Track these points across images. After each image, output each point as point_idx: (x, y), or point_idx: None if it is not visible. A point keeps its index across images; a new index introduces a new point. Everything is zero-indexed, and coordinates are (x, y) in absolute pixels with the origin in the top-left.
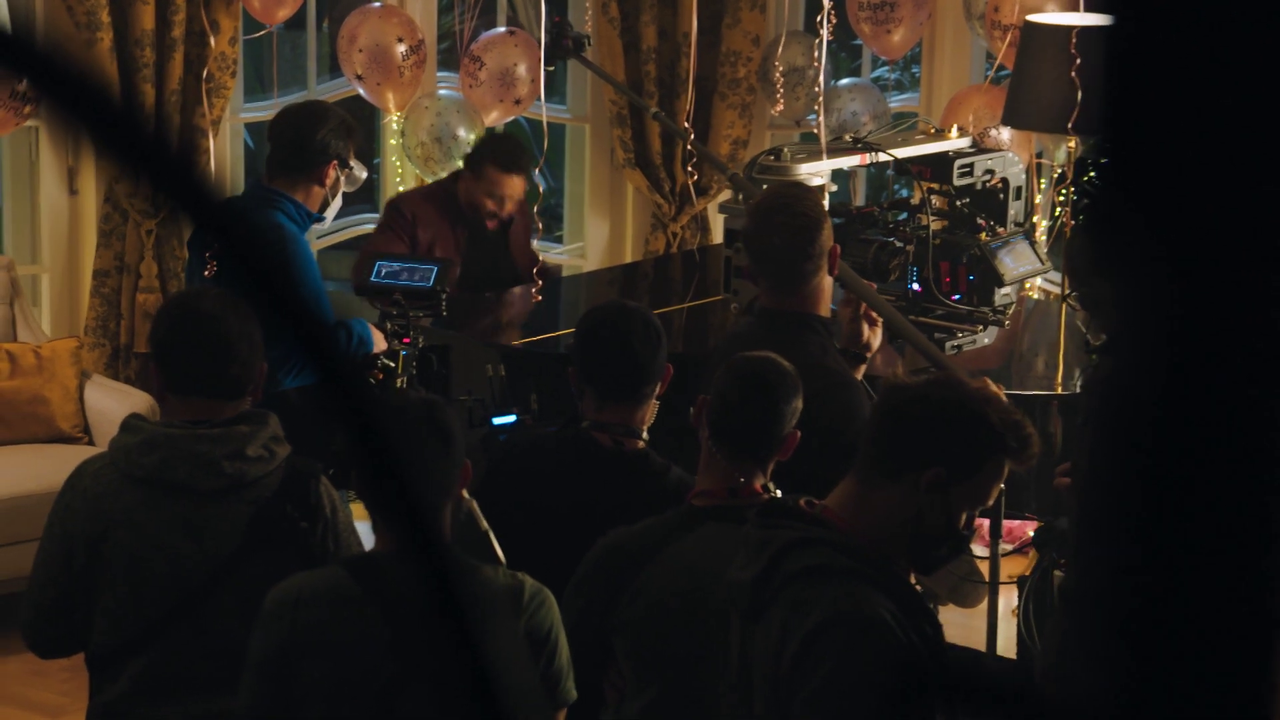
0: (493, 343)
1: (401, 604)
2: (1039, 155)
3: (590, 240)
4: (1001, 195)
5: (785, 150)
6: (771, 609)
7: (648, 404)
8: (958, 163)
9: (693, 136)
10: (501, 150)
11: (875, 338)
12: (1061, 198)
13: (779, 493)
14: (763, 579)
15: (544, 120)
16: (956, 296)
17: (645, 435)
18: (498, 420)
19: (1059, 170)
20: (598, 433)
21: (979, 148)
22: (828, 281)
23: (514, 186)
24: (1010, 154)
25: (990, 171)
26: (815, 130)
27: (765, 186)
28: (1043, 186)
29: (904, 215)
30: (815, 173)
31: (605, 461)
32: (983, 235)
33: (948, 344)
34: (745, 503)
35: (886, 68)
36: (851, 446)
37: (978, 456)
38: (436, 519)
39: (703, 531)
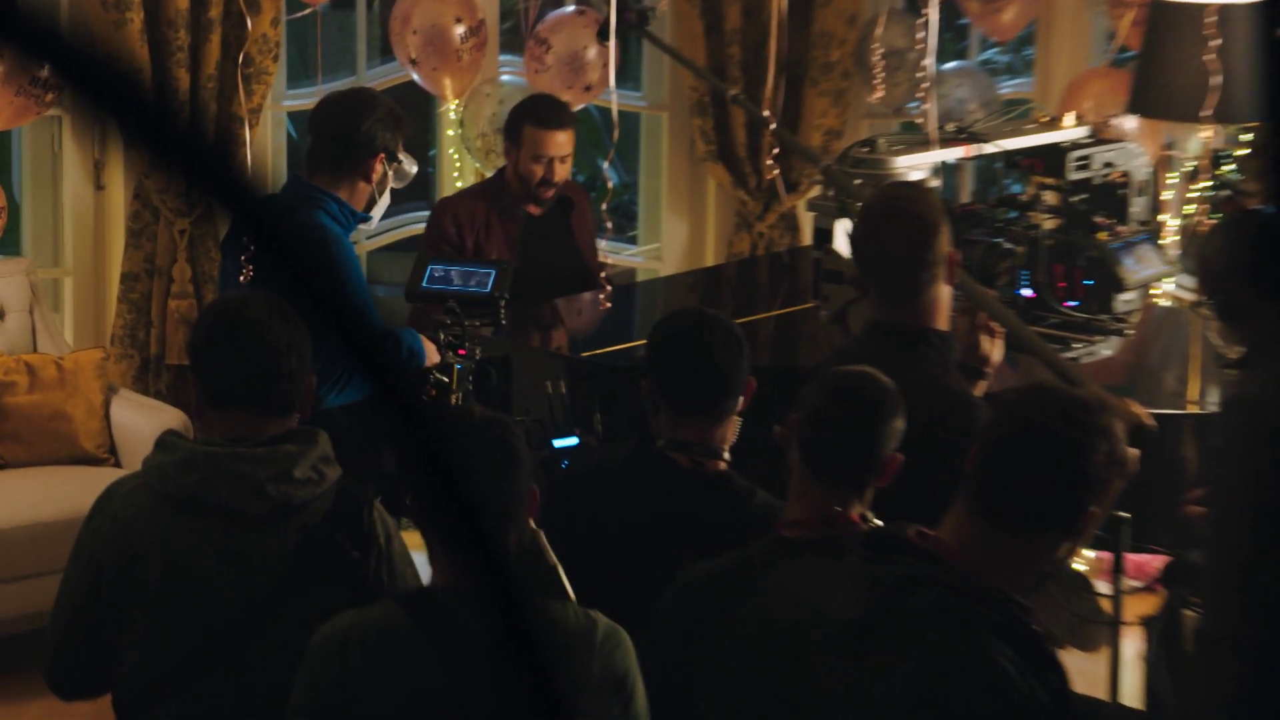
0: (559, 354)
1: (463, 643)
2: (1168, 147)
3: (667, 241)
4: (1123, 191)
5: (880, 141)
6: (879, 652)
7: (729, 420)
8: (1073, 155)
9: (774, 125)
10: (535, 106)
11: (996, 351)
12: (1196, 194)
13: (878, 523)
14: (870, 619)
15: (614, 108)
16: (1072, 303)
17: (727, 455)
18: (558, 443)
19: (1192, 164)
20: (674, 452)
21: (1098, 138)
22: (946, 292)
23: (558, 143)
24: (1133, 145)
25: (1110, 164)
26: (917, 120)
27: (858, 181)
28: (1172, 182)
29: (1014, 213)
30: (914, 166)
31: (683, 483)
32: (1102, 235)
33: (1062, 356)
34: (842, 534)
35: (996, 50)
36: None
37: (1103, 494)
38: (505, 549)
39: (794, 566)
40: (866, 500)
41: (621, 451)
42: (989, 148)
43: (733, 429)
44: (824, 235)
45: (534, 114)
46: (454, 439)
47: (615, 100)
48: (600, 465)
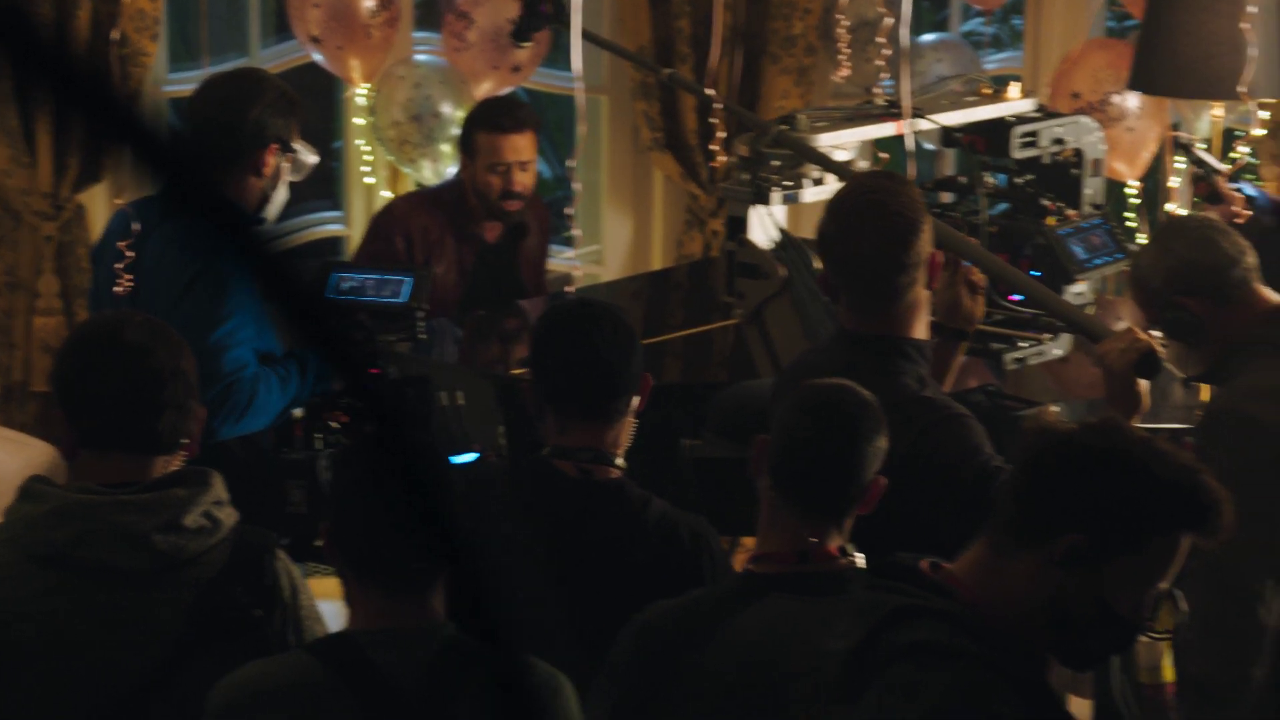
0: (490, 373)
1: (387, 693)
2: (1175, 127)
3: (609, 242)
4: (1075, 170)
5: (802, 117)
6: (869, 689)
7: (622, 422)
8: (1019, 130)
9: (719, 103)
10: (486, 110)
11: (978, 307)
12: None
13: (859, 556)
14: (862, 651)
15: (579, 94)
16: (1017, 297)
17: (620, 461)
18: (456, 459)
19: (1202, 145)
20: (560, 460)
21: (1046, 112)
22: (925, 297)
23: (516, 148)
24: (1085, 119)
25: (1060, 141)
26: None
27: (775, 163)
28: (1180, 167)
29: (953, 196)
30: (839, 145)
31: (571, 494)
32: (1050, 220)
33: (1008, 356)
34: (819, 570)
35: (981, 20)
36: (974, 485)
37: (1137, 527)
38: (496, 591)
39: (765, 606)
40: (846, 530)
41: (507, 462)
42: (923, 123)
43: (626, 432)
44: (738, 224)
45: (485, 119)
46: (429, 462)
47: (583, 89)
48: (484, 478)
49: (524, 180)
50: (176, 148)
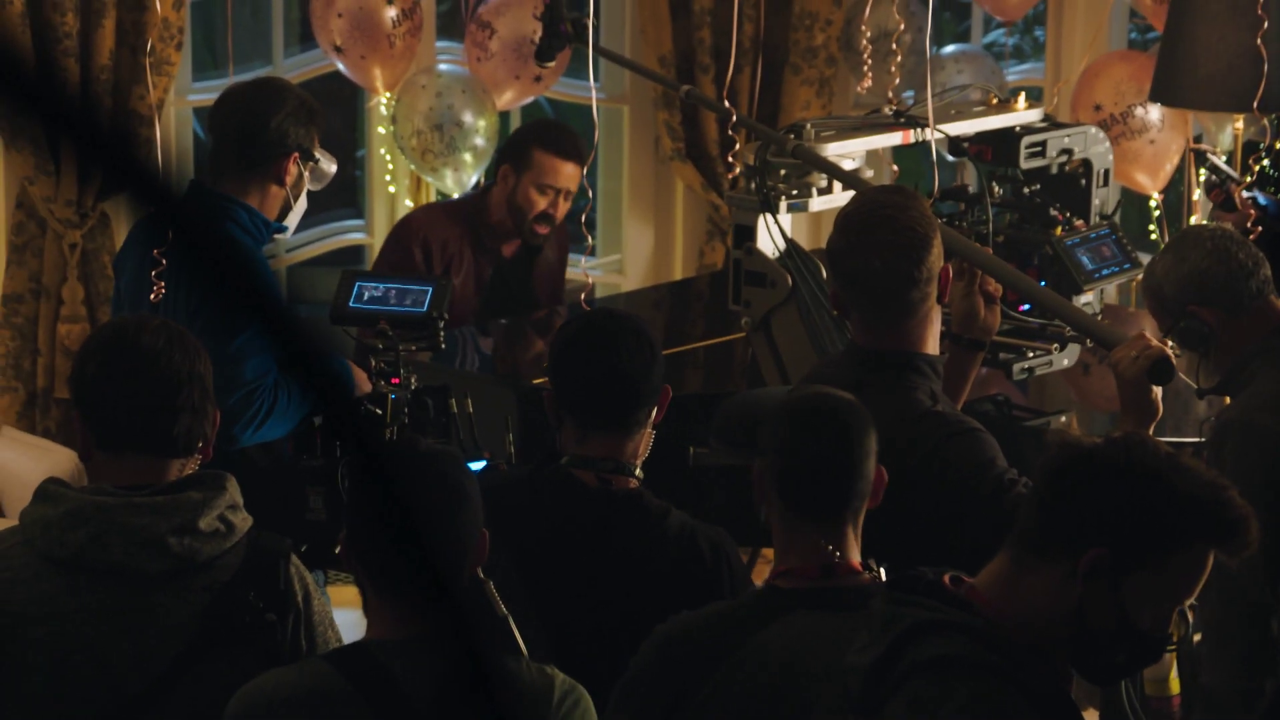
0: (510, 380)
1: (403, 703)
2: (1197, 139)
3: (630, 252)
4: (1083, 181)
5: (808, 127)
6: (889, 704)
7: (641, 433)
8: (1026, 140)
9: (734, 116)
10: (548, 130)
11: (994, 317)
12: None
13: (881, 571)
14: (882, 665)
15: (594, 104)
16: (1026, 307)
17: (639, 472)
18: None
19: (1223, 157)
20: (579, 470)
21: (1053, 122)
22: (937, 312)
23: (569, 175)
24: (1093, 129)
25: (1068, 152)
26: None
27: (783, 172)
28: (1201, 179)
29: (960, 207)
30: (845, 154)
31: (589, 504)
32: (1058, 230)
33: (1016, 366)
34: (843, 585)
35: (1003, 31)
36: (989, 499)
37: (1160, 541)
38: (462, 595)
39: (789, 621)
40: (859, 527)
41: (524, 471)
42: (929, 133)
43: (645, 443)
44: (745, 233)
45: (546, 138)
46: (403, 475)
47: (595, 96)
48: (497, 486)
49: (564, 209)
50: (159, 182)
